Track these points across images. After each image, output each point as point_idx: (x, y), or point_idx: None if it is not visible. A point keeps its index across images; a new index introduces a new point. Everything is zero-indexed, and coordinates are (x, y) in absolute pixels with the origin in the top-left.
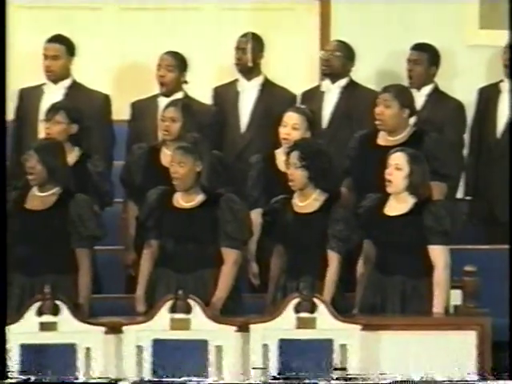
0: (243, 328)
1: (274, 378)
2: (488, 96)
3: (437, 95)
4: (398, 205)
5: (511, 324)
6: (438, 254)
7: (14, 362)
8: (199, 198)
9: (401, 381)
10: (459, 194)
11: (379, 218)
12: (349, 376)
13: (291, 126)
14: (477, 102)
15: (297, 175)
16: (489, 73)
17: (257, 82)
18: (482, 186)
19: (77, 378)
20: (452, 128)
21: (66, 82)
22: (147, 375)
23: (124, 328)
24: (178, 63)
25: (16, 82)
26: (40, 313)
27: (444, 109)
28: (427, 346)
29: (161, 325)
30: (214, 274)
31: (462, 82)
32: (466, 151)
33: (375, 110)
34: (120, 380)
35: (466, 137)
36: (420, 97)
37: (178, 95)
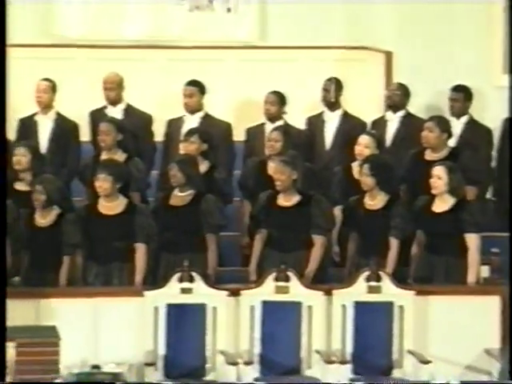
0: (328, 293)
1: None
2: (509, 124)
3: (472, 123)
4: (442, 204)
5: None
6: (472, 239)
7: (160, 321)
8: (296, 199)
9: None
10: (488, 195)
11: (428, 213)
12: None
13: (364, 145)
14: (501, 129)
15: (367, 181)
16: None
17: (338, 113)
18: (504, 190)
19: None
20: (484, 147)
21: (200, 114)
22: (257, 328)
23: (241, 292)
24: (279, 100)
25: (164, 114)
26: (180, 280)
27: (478, 133)
28: (464, 307)
29: (268, 290)
30: (307, 254)
31: (489, 114)
32: (493, 164)
33: (422, 134)
34: None
35: (494, 153)
36: (459, 124)
37: (280, 122)
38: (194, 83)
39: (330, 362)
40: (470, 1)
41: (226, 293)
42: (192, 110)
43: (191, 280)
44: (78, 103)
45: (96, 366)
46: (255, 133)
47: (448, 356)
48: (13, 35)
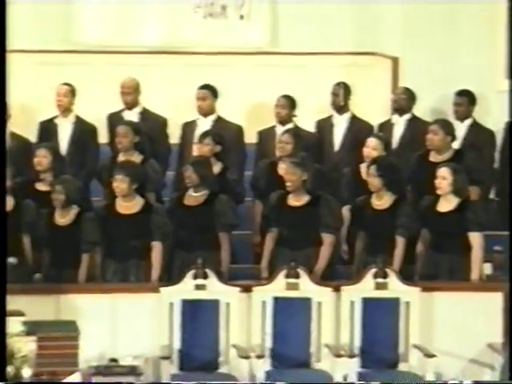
0: (336, 289)
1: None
2: (509, 128)
3: (475, 126)
4: (446, 204)
5: None
6: (475, 238)
7: (175, 316)
8: (305, 199)
9: None
10: (491, 196)
11: (433, 213)
12: None
13: (372, 148)
14: (504, 132)
15: (375, 182)
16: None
17: (346, 116)
18: (506, 190)
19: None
20: (487, 149)
21: (212, 117)
22: (269, 323)
23: (253, 288)
24: (290, 103)
25: (179, 118)
26: (195, 277)
27: (481, 136)
28: (467, 303)
29: (278, 286)
30: (316, 252)
31: (493, 117)
32: (496, 165)
33: (427, 136)
34: None
35: (497, 155)
36: (463, 127)
37: (290, 125)
38: (207, 87)
39: (339, 356)
40: (473, 8)
41: (238, 289)
42: (205, 113)
43: (205, 277)
44: (97, 107)
45: (114, 360)
46: (266, 135)
47: (452, 350)
48: (34, 42)
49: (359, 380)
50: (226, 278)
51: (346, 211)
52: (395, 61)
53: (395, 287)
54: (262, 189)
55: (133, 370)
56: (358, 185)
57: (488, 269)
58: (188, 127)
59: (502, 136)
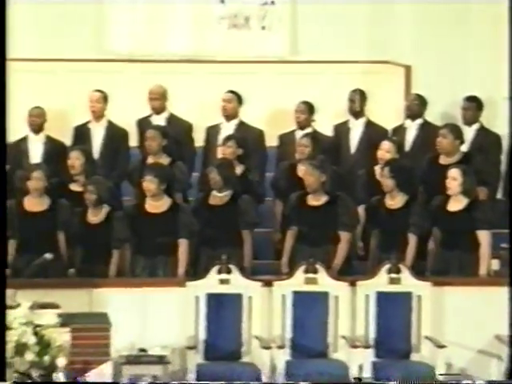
0: (352, 284)
1: None
2: (509, 132)
3: (483, 130)
4: (456, 203)
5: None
6: (484, 236)
7: (201, 309)
8: (324, 199)
9: None
10: (498, 196)
11: (443, 212)
12: None
13: (385, 150)
14: (509, 135)
15: (388, 183)
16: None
17: (362, 121)
18: None
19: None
20: (493, 152)
21: (235, 121)
22: (289, 315)
23: (274, 283)
24: (308, 109)
25: (203, 122)
26: (219, 272)
27: (488, 139)
28: (476, 297)
29: (298, 281)
30: (334, 248)
31: (500, 122)
32: (503, 167)
33: (437, 140)
34: None
35: (503, 158)
36: (471, 131)
37: (309, 130)
38: (232, 92)
39: (355, 347)
40: (482, 14)
41: (260, 283)
42: (228, 115)
43: (229, 272)
44: (127, 112)
45: (143, 350)
46: (287, 139)
47: (462, 341)
48: (68, 51)
49: (374, 369)
50: (249, 273)
51: (361, 210)
52: (408, 69)
53: (408, 282)
54: (282, 189)
55: (161, 360)
56: (372, 185)
57: (495, 265)
58: (212, 131)
59: (508, 140)
